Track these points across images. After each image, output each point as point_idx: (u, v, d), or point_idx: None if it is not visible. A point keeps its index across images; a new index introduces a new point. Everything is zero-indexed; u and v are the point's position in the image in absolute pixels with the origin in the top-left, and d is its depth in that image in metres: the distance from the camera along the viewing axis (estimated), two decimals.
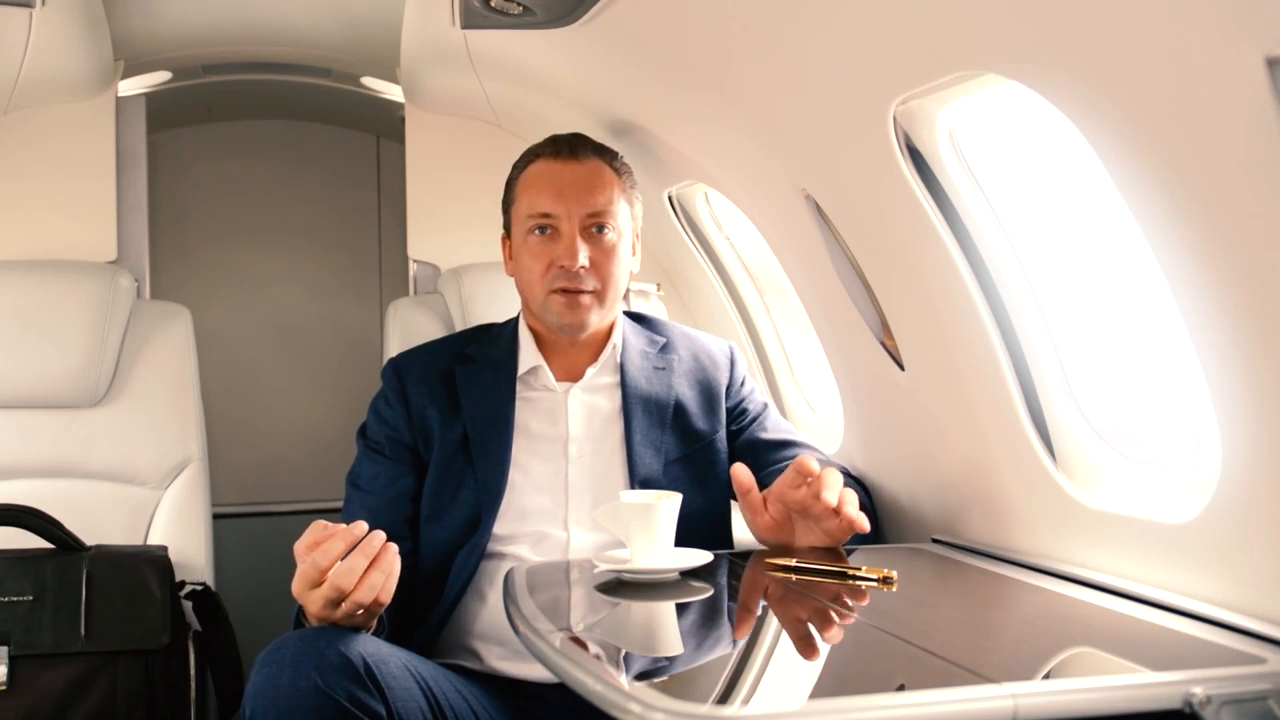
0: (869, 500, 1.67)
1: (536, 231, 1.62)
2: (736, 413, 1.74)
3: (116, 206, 2.36)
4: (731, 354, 1.79)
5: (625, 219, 1.66)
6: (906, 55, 1.27)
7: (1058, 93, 1.09)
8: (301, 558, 1.28)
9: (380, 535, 1.26)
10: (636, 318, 1.80)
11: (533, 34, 1.78)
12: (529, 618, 1.16)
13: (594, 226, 1.62)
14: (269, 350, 3.26)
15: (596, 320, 1.65)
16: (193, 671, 1.90)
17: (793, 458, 1.67)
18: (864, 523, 1.41)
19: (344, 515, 1.63)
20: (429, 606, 1.58)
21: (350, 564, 1.24)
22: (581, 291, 1.61)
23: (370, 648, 1.27)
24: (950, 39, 1.19)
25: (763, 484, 1.69)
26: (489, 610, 1.57)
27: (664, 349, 1.75)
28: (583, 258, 1.59)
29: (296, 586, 1.29)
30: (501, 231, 1.74)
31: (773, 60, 1.48)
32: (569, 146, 1.65)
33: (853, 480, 1.64)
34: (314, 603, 1.27)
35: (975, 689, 0.88)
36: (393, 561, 1.27)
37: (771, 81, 1.53)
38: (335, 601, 1.26)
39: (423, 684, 1.34)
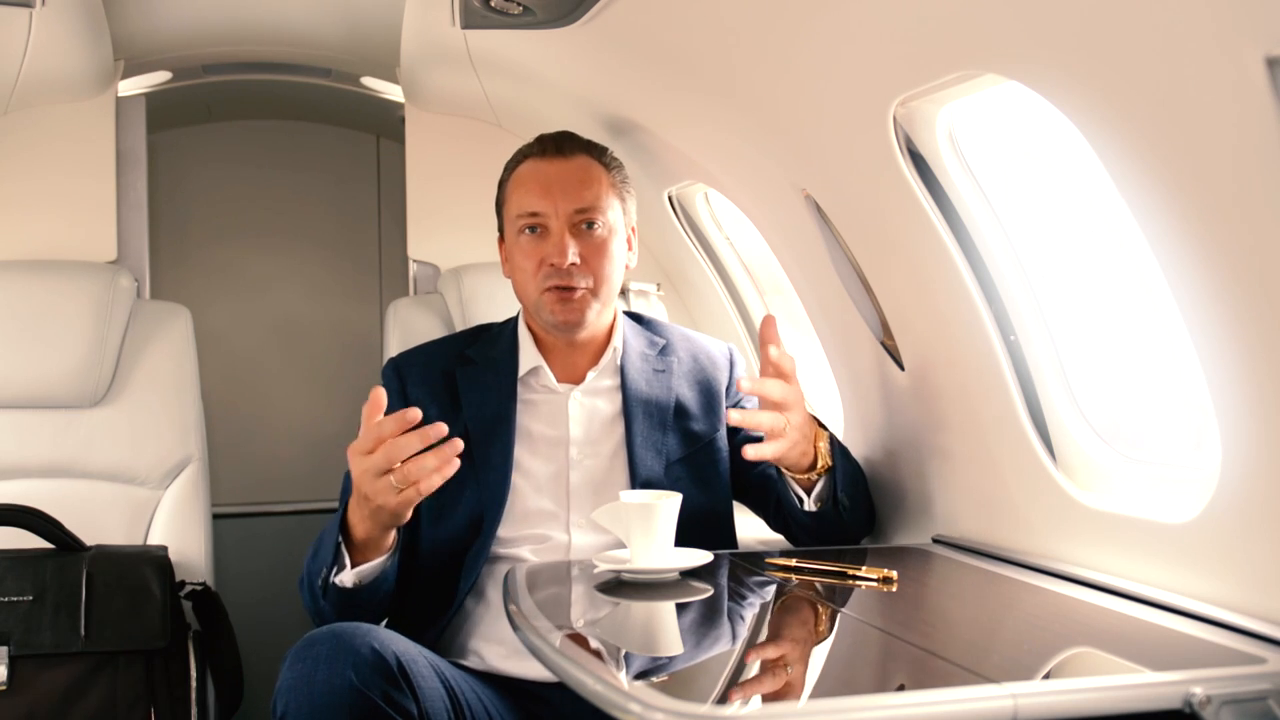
0: (865, 487, 1.66)
1: (527, 231, 1.62)
2: None
3: (116, 206, 2.36)
4: (731, 355, 1.79)
5: (616, 214, 1.65)
6: (906, 55, 1.27)
7: (1058, 93, 1.09)
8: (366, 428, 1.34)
9: (443, 428, 1.32)
10: (635, 318, 1.80)
11: (533, 34, 1.78)
12: (529, 617, 1.16)
13: (583, 223, 1.62)
14: (269, 350, 3.26)
15: (593, 317, 1.64)
16: (193, 671, 1.90)
17: None
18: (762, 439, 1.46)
19: (343, 504, 1.62)
20: (439, 610, 1.58)
21: (407, 440, 1.30)
22: (574, 289, 1.61)
23: (401, 646, 1.28)
24: (950, 39, 1.19)
25: (760, 480, 1.69)
26: (490, 611, 1.57)
27: (663, 351, 1.74)
28: (572, 254, 1.59)
29: (352, 449, 1.35)
30: (498, 235, 1.74)
31: (773, 60, 1.48)
32: (555, 144, 1.65)
33: (854, 467, 1.63)
34: (361, 467, 1.33)
35: (975, 689, 0.88)
36: (450, 454, 1.32)
37: (771, 81, 1.53)
38: (383, 471, 1.31)
39: (446, 683, 1.34)
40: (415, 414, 1.32)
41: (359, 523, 1.41)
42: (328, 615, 1.47)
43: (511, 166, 1.69)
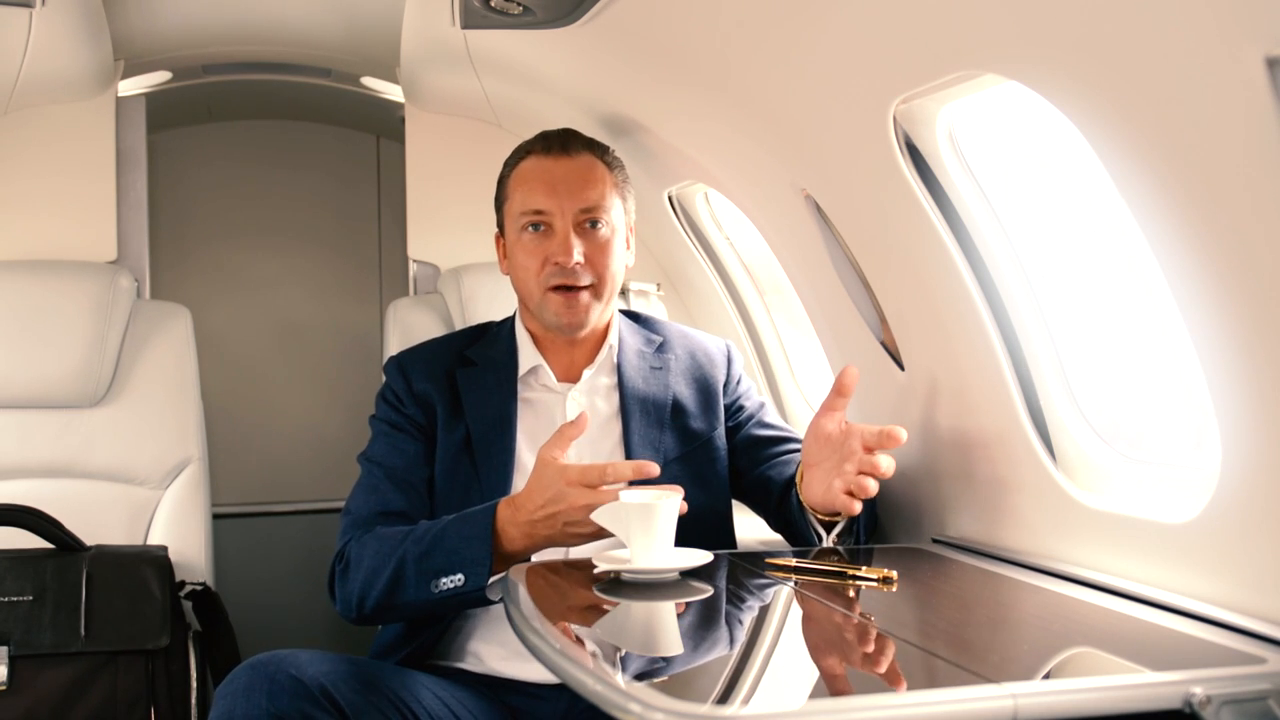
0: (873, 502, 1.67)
1: (530, 229, 1.62)
2: (734, 409, 1.74)
3: (116, 206, 2.37)
4: (729, 352, 1.79)
5: (618, 213, 1.65)
6: (906, 55, 1.27)
7: (1058, 93, 1.09)
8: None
9: (679, 491, 1.35)
10: (633, 316, 1.80)
11: (533, 34, 1.78)
12: (529, 618, 1.16)
13: (587, 222, 1.61)
14: (269, 350, 3.26)
15: (595, 317, 1.65)
16: (193, 671, 1.90)
17: (790, 454, 1.67)
18: (872, 487, 1.40)
19: (359, 490, 1.61)
20: None
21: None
22: (578, 288, 1.61)
23: (326, 667, 1.29)
24: (950, 39, 1.19)
25: (760, 480, 1.69)
26: (490, 612, 1.57)
27: (660, 348, 1.74)
28: (577, 253, 1.59)
29: (571, 478, 1.36)
30: (495, 231, 1.73)
31: (773, 60, 1.48)
32: (560, 142, 1.64)
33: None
34: (585, 500, 1.35)
35: (975, 689, 0.88)
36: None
37: (772, 81, 1.53)
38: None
39: (392, 696, 1.35)
40: (654, 469, 1.36)
41: (523, 538, 1.40)
42: (401, 609, 1.46)
43: (513, 163, 1.68)
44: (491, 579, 1.42)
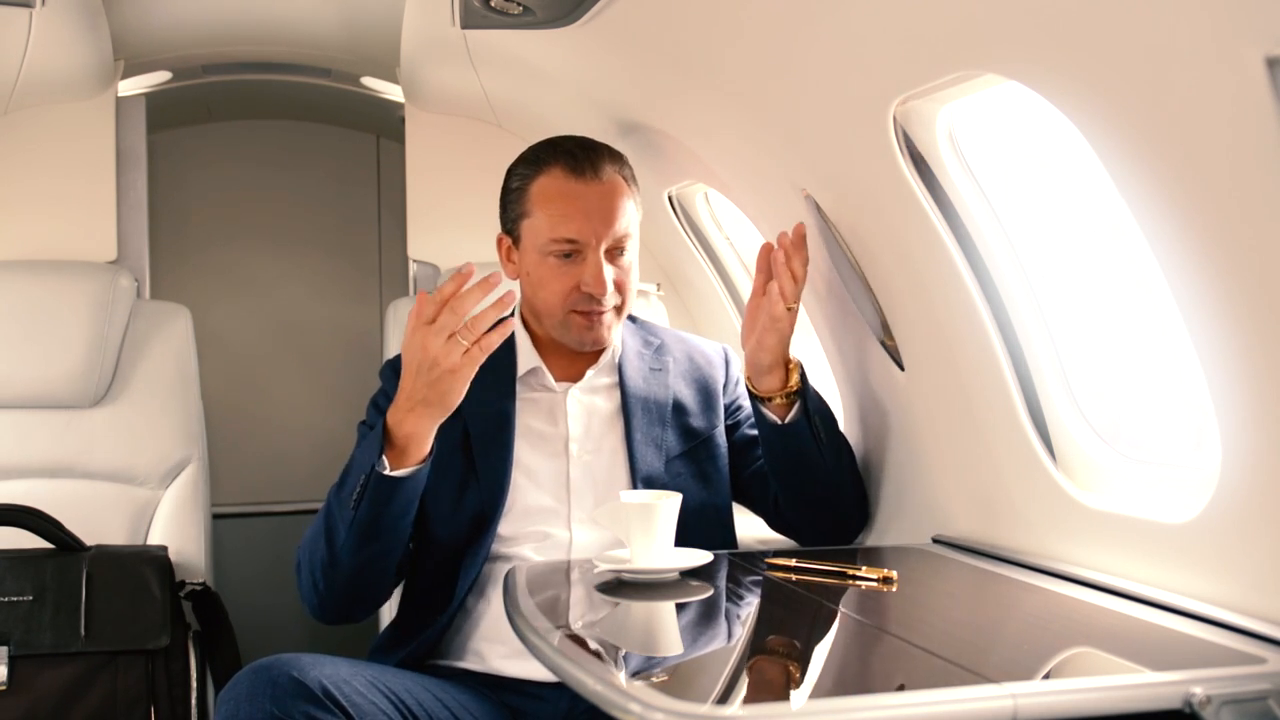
0: (851, 455, 1.70)
1: (560, 255, 1.60)
2: (733, 409, 1.75)
3: (116, 206, 2.37)
4: (726, 354, 1.80)
5: (636, 230, 1.66)
6: (906, 55, 1.27)
7: (1058, 93, 1.09)
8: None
9: (500, 275, 1.42)
10: (629, 319, 1.80)
11: (532, 33, 1.78)
12: (529, 618, 1.16)
13: (616, 249, 1.62)
14: (269, 350, 3.26)
15: (612, 333, 1.66)
16: (193, 671, 1.90)
17: None
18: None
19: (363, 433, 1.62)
20: (438, 609, 1.58)
21: (470, 294, 1.39)
22: (603, 310, 1.62)
23: (328, 670, 1.29)
24: (950, 39, 1.19)
25: (759, 475, 1.70)
26: (492, 610, 1.57)
27: (658, 350, 1.75)
28: (610, 284, 1.60)
29: (417, 324, 1.39)
30: (499, 232, 1.72)
31: (773, 60, 1.48)
32: (590, 163, 1.61)
33: (824, 401, 1.67)
34: (429, 332, 1.37)
35: (975, 689, 0.88)
36: (509, 302, 1.39)
37: (772, 81, 1.53)
38: (450, 331, 1.37)
39: (393, 697, 1.35)
40: (471, 268, 1.39)
41: (408, 413, 1.42)
42: (342, 559, 1.47)
43: (531, 174, 1.63)
44: (401, 470, 1.43)
